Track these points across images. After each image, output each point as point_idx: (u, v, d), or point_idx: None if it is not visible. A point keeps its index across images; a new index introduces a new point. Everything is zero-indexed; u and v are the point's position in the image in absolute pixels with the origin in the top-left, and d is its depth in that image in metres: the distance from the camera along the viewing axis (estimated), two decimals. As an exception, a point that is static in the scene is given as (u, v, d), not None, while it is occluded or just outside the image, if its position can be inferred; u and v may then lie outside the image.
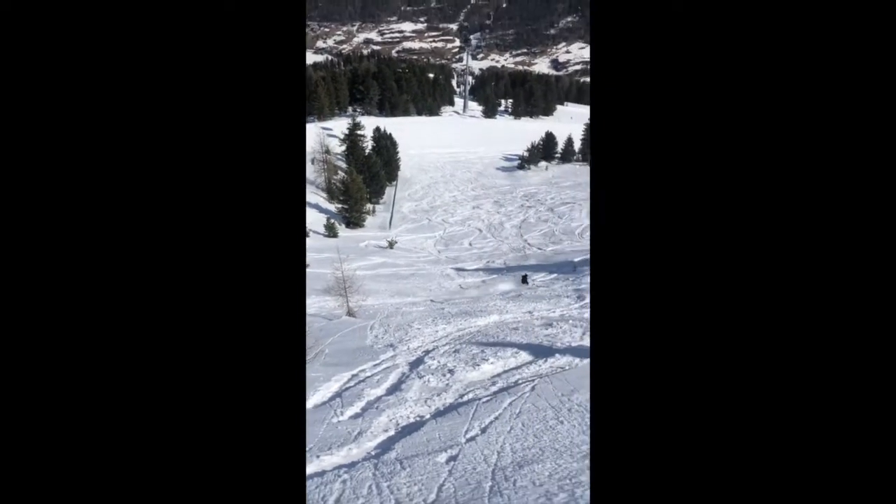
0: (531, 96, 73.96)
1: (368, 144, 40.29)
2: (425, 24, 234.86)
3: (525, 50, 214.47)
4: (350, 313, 13.57)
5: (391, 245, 26.89)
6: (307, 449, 5.71)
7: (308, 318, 12.91)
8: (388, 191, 38.84)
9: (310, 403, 7.29)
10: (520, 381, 7.35)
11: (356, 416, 6.71)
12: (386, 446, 5.74)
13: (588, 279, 16.30)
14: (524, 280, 17.80)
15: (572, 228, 28.79)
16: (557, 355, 8.36)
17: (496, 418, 6.03)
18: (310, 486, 4.90)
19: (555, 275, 18.29)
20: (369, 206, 33.79)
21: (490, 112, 70.96)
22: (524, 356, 8.54)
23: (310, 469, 5.31)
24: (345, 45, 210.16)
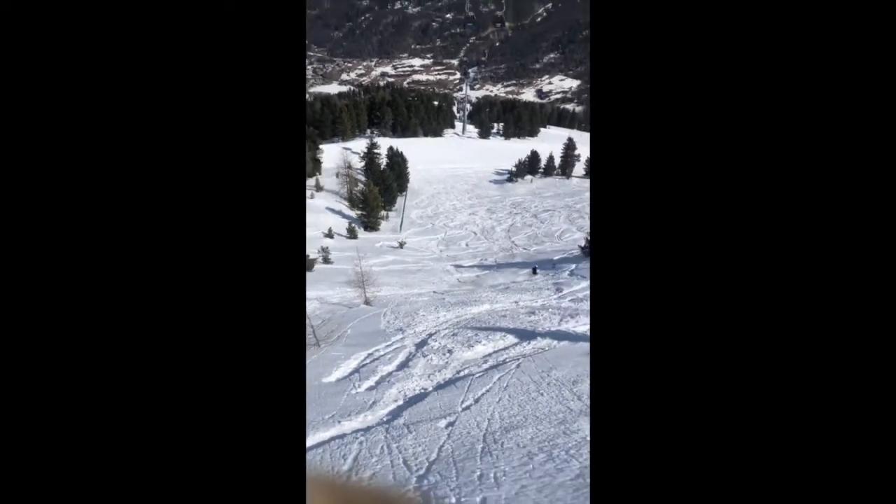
0: (519, 120, 73.69)
1: (383, 161, 40.21)
2: (431, 60, 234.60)
3: (514, 81, 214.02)
4: (367, 302, 13.60)
5: (401, 245, 26.87)
6: (330, 416, 5.74)
7: (332, 307, 12.94)
8: (399, 200, 38.77)
9: (332, 377, 7.32)
10: (507, 360, 7.38)
11: (371, 388, 6.74)
12: (396, 414, 5.77)
13: (566, 275, 16.30)
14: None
15: (552, 232, 28.73)
16: (539, 338, 8.38)
17: (487, 391, 6.06)
18: (332, 446, 4.93)
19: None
20: (383, 213, 33.74)
21: (485, 134, 70.74)
22: (511, 339, 8.56)
23: (332, 433, 5.34)
24: (364, 78, 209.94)
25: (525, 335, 8.69)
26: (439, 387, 6.58)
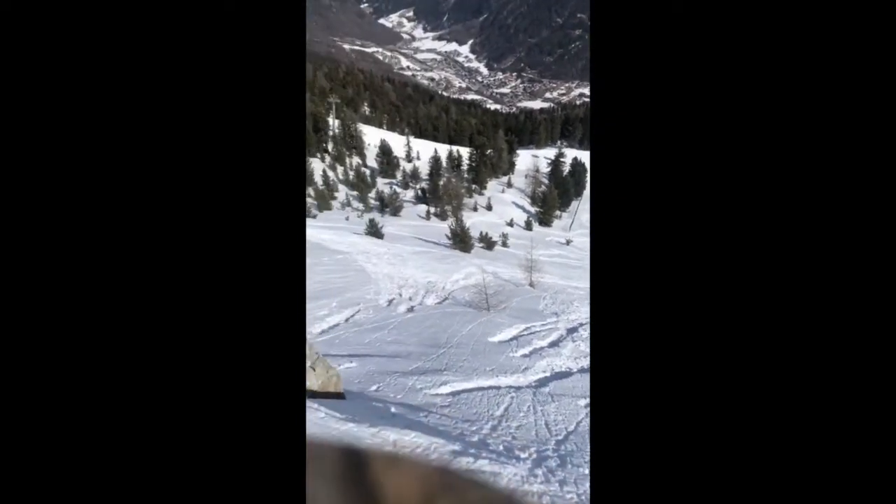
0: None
1: (567, 168, 38.90)
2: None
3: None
4: (531, 284, 13.54)
5: (568, 242, 25.87)
6: (490, 369, 5.93)
7: (503, 282, 13.18)
8: (574, 203, 37.20)
9: (496, 339, 7.52)
10: (651, 366, 6.68)
11: (525, 355, 6.76)
12: (543, 382, 5.71)
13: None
14: None
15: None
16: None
17: (628, 388, 5.60)
18: (489, 394, 5.10)
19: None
20: (558, 213, 32.81)
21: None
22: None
23: (490, 382, 5.52)
24: (564, 97, 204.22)
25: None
26: (583, 370, 6.29)
